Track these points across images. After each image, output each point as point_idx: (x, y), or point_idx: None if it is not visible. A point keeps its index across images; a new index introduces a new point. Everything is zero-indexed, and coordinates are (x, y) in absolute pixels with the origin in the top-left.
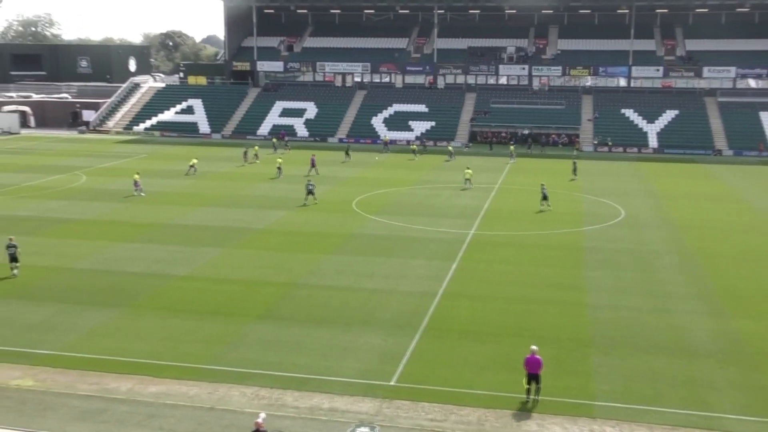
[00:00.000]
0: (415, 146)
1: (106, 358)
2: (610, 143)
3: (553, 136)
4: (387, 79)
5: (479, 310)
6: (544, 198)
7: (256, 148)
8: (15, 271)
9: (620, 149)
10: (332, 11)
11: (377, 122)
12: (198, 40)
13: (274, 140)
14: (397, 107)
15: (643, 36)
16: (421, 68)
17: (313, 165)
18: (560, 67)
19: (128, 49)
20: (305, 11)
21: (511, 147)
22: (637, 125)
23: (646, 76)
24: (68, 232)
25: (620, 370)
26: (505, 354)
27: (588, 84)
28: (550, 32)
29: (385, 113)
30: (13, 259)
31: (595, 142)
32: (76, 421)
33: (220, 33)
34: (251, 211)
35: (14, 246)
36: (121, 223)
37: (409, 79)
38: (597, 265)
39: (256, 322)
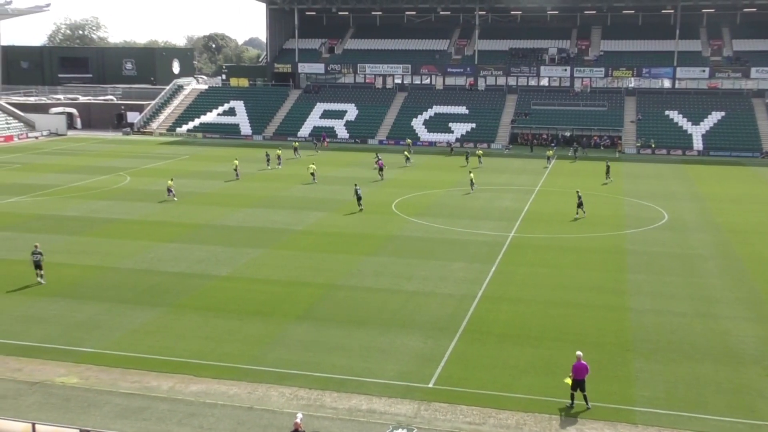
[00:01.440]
0: (451, 147)
1: (148, 356)
2: (653, 145)
3: (595, 138)
4: (427, 81)
5: (519, 313)
6: (580, 205)
7: (279, 151)
8: (40, 279)
9: (664, 151)
10: (373, 13)
11: (417, 124)
12: (240, 42)
13: (316, 142)
14: (438, 109)
15: (688, 36)
16: (461, 70)
17: (380, 169)
18: (603, 69)
19: (172, 52)
20: (346, 13)
21: (549, 152)
22: (681, 127)
23: (692, 77)
24: (113, 232)
25: (663, 376)
26: (544, 358)
27: (631, 85)
28: (592, 33)
29: (425, 115)
30: (38, 266)
31: (638, 144)
32: (118, 419)
33: (263, 35)
34: (291, 212)
35: (39, 253)
36: (163, 223)
37: (450, 81)
38: (639, 269)
39: (296, 323)
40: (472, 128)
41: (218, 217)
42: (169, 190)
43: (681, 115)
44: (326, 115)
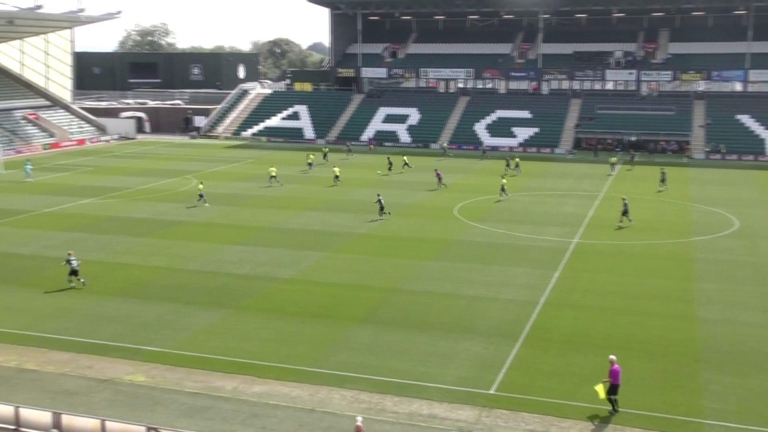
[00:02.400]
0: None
1: (213, 357)
2: (723, 150)
3: (662, 143)
4: (490, 85)
5: (582, 320)
6: (625, 212)
7: (312, 156)
8: (73, 284)
9: (734, 157)
10: (436, 17)
11: (480, 128)
12: (304, 47)
13: (371, 146)
14: (500, 113)
15: (761, 38)
16: (525, 74)
17: (439, 179)
18: (671, 72)
19: (238, 57)
20: (410, 18)
21: (613, 159)
22: (753, 132)
23: (765, 80)
24: (179, 234)
25: (733, 388)
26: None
27: (700, 89)
28: (660, 35)
29: (488, 119)
30: (73, 272)
31: (707, 149)
32: (183, 417)
33: (326, 40)
34: (353, 215)
35: (75, 260)
36: (228, 226)
37: (513, 85)
38: (708, 277)
39: (357, 326)
40: (535, 133)
41: (281, 220)
42: (200, 195)
43: (753, 120)
44: (388, 119)
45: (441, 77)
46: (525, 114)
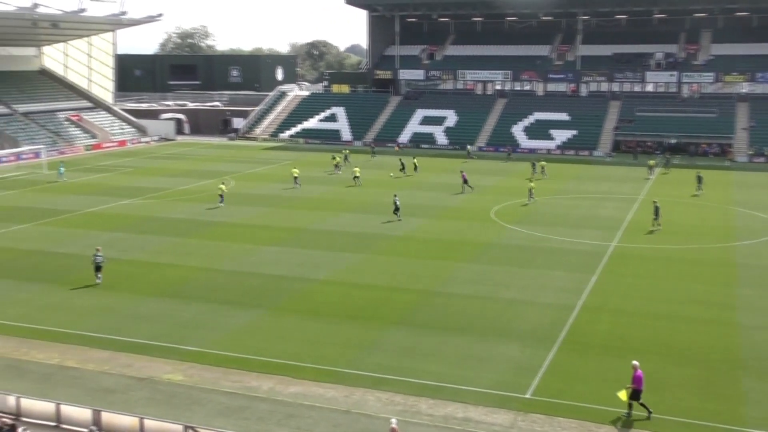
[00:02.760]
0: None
1: (249, 357)
2: (767, 153)
3: (704, 145)
4: (528, 87)
5: (620, 325)
6: (656, 216)
7: (338, 158)
8: (98, 281)
9: None
10: (474, 19)
11: (517, 130)
12: (342, 49)
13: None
14: (538, 115)
15: None
16: (563, 76)
17: (465, 181)
18: (713, 74)
19: (276, 59)
20: (447, 19)
21: (651, 162)
22: None
23: None
24: (216, 235)
25: None
26: (647, 372)
27: (744, 91)
28: (702, 36)
29: (525, 121)
30: (98, 269)
31: (751, 153)
32: (220, 416)
33: (364, 42)
34: (389, 217)
35: (101, 256)
36: (265, 227)
37: (551, 87)
38: (751, 283)
39: (393, 328)
40: (573, 135)
41: (318, 221)
42: (220, 196)
43: None
44: (426, 121)
45: (478, 79)
46: (563, 116)
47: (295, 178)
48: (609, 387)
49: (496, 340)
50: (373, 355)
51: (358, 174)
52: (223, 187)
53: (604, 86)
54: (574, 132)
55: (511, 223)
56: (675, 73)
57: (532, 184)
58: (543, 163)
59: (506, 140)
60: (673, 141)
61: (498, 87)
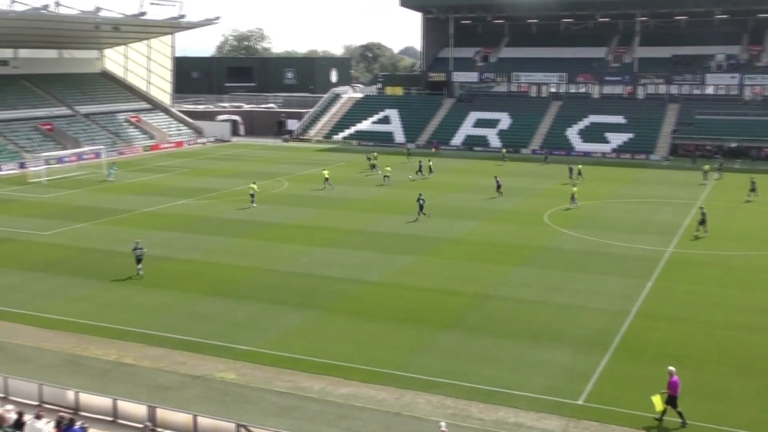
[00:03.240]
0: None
1: (301, 357)
2: None
3: (766, 149)
4: (583, 90)
5: (676, 332)
6: (702, 222)
7: (376, 155)
8: (139, 272)
9: None
10: (529, 21)
11: (572, 134)
12: (396, 51)
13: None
14: (593, 118)
15: None
16: (619, 78)
17: (498, 186)
18: None
19: (330, 61)
20: (502, 21)
21: (706, 167)
22: None
23: None
24: (270, 235)
25: None
26: (703, 382)
27: None
28: (766, 37)
29: (580, 124)
30: (139, 260)
31: None
32: (272, 416)
33: (418, 44)
34: (442, 220)
35: (141, 249)
36: (318, 228)
37: (607, 90)
38: None
39: (445, 331)
40: (629, 138)
41: (371, 224)
42: (251, 195)
43: None
44: (479, 123)
45: (533, 81)
46: (619, 119)
47: (326, 179)
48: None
49: (549, 345)
50: (424, 357)
51: (388, 174)
52: (254, 186)
53: (662, 89)
54: (630, 135)
55: (564, 227)
56: (737, 75)
57: (575, 188)
58: (580, 166)
59: (561, 144)
60: (733, 145)
61: (552, 89)
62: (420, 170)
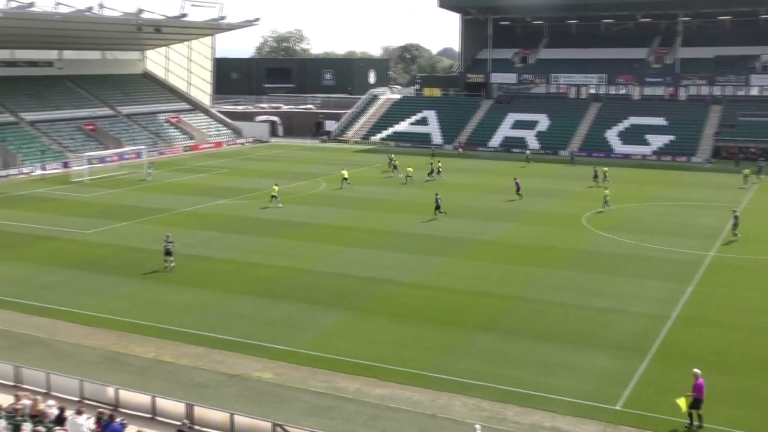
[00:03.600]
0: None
1: (337, 357)
2: None
3: None
4: (623, 91)
5: (718, 337)
6: (735, 225)
7: (393, 156)
8: (168, 264)
9: None
10: (569, 22)
11: (611, 135)
12: (434, 52)
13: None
14: (633, 120)
15: None
16: (661, 79)
17: (518, 189)
18: None
19: (369, 62)
20: (541, 22)
21: (746, 171)
22: None
23: None
24: (308, 236)
25: None
26: (745, 388)
27: None
28: None
29: (620, 126)
30: (168, 253)
31: None
32: (308, 416)
33: (456, 45)
34: (478, 222)
35: (171, 242)
36: (355, 229)
37: (648, 91)
38: None
39: (480, 333)
40: (670, 140)
41: (407, 225)
42: (274, 197)
43: None
44: (517, 125)
45: (572, 83)
46: (660, 121)
47: (345, 179)
48: (705, 403)
49: (586, 348)
50: (460, 359)
51: (410, 173)
52: (276, 188)
53: (705, 90)
54: (672, 137)
55: (602, 230)
56: None
57: (607, 191)
58: (605, 169)
59: (600, 146)
60: None
61: (592, 91)
62: (432, 172)
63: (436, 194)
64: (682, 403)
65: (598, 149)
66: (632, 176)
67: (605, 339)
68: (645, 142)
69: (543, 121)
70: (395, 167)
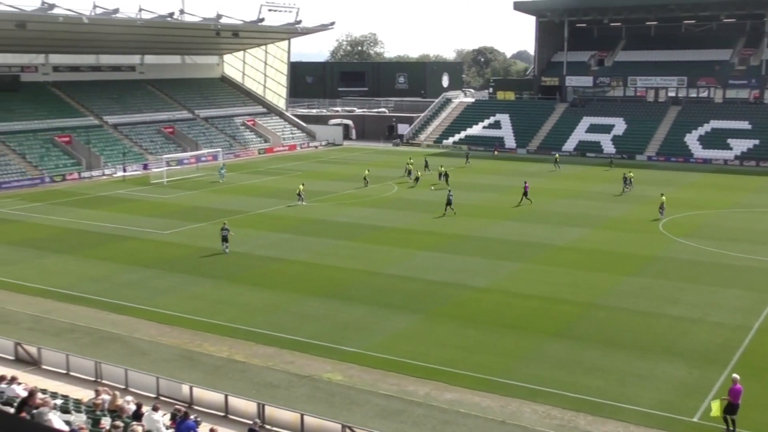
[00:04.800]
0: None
1: (406, 361)
2: None
3: None
4: (704, 94)
5: None
6: None
7: (411, 160)
8: (225, 249)
9: None
10: (648, 23)
11: (691, 140)
12: (509, 55)
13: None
14: (715, 124)
15: None
16: (745, 82)
17: (525, 193)
18: None
19: (442, 66)
20: (619, 24)
21: None
22: None
23: None
24: (379, 239)
25: None
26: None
27: None
28: None
29: (701, 130)
30: (225, 239)
31: None
32: (377, 418)
33: (531, 48)
34: (551, 227)
35: (227, 230)
36: (425, 232)
37: (731, 94)
38: None
39: (551, 340)
40: (754, 145)
41: (478, 229)
42: (299, 195)
43: None
44: (592, 129)
45: (650, 86)
46: (743, 125)
47: (365, 179)
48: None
49: (662, 358)
50: (531, 366)
51: (447, 172)
52: (302, 187)
53: None
54: (756, 141)
55: (680, 236)
56: None
57: (663, 198)
58: (632, 174)
59: (679, 150)
60: None
61: (671, 94)
62: (442, 176)
63: (449, 191)
64: (716, 406)
65: (677, 154)
66: (713, 182)
67: (682, 349)
68: (727, 147)
69: (619, 125)
70: (409, 172)
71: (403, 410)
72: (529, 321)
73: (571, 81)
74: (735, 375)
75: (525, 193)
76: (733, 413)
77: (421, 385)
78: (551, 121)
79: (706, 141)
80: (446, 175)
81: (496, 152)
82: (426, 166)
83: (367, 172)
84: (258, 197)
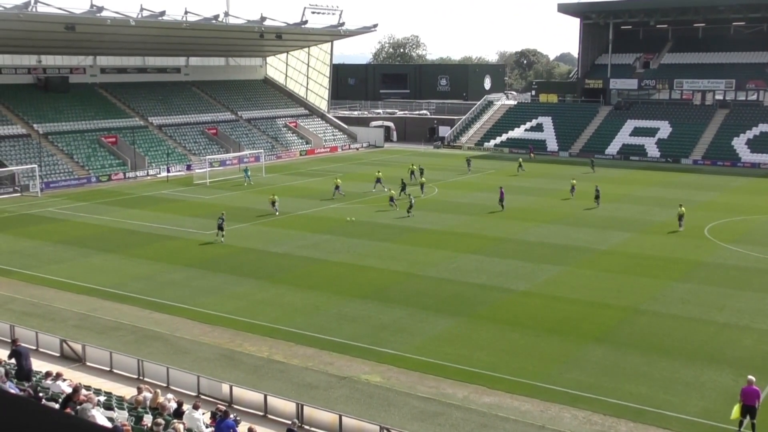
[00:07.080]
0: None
1: (445, 363)
2: None
3: None
4: (754, 97)
5: None
6: None
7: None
8: (220, 239)
9: None
10: (695, 25)
11: (739, 144)
12: (552, 58)
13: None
14: (764, 127)
15: None
16: None
17: (501, 199)
18: None
19: (484, 68)
20: (665, 26)
21: None
22: None
23: None
24: (419, 241)
25: None
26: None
27: None
28: None
29: (749, 134)
30: (220, 228)
31: None
32: (415, 420)
33: (575, 51)
34: (594, 230)
35: (222, 219)
36: (467, 235)
37: None
38: None
39: (593, 345)
40: None
41: (520, 232)
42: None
43: None
44: (636, 132)
45: (697, 88)
46: None
47: (378, 179)
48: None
49: (707, 365)
50: (571, 370)
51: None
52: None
53: None
54: None
55: (726, 242)
56: None
57: (682, 209)
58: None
59: (726, 154)
60: None
61: (719, 97)
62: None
63: (414, 193)
64: (736, 408)
65: (724, 158)
66: (761, 186)
67: (728, 356)
68: None
69: (664, 128)
70: (413, 180)
71: (441, 413)
72: (571, 325)
73: (616, 84)
74: (750, 377)
75: (500, 199)
76: (752, 416)
77: (459, 388)
78: (594, 124)
79: (755, 145)
80: (404, 185)
81: (532, 155)
82: (412, 174)
83: (413, 168)
84: (299, 198)
